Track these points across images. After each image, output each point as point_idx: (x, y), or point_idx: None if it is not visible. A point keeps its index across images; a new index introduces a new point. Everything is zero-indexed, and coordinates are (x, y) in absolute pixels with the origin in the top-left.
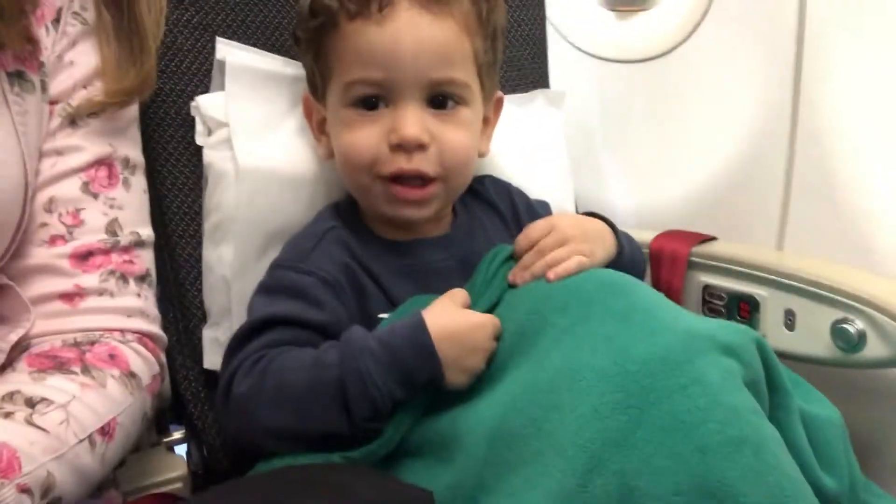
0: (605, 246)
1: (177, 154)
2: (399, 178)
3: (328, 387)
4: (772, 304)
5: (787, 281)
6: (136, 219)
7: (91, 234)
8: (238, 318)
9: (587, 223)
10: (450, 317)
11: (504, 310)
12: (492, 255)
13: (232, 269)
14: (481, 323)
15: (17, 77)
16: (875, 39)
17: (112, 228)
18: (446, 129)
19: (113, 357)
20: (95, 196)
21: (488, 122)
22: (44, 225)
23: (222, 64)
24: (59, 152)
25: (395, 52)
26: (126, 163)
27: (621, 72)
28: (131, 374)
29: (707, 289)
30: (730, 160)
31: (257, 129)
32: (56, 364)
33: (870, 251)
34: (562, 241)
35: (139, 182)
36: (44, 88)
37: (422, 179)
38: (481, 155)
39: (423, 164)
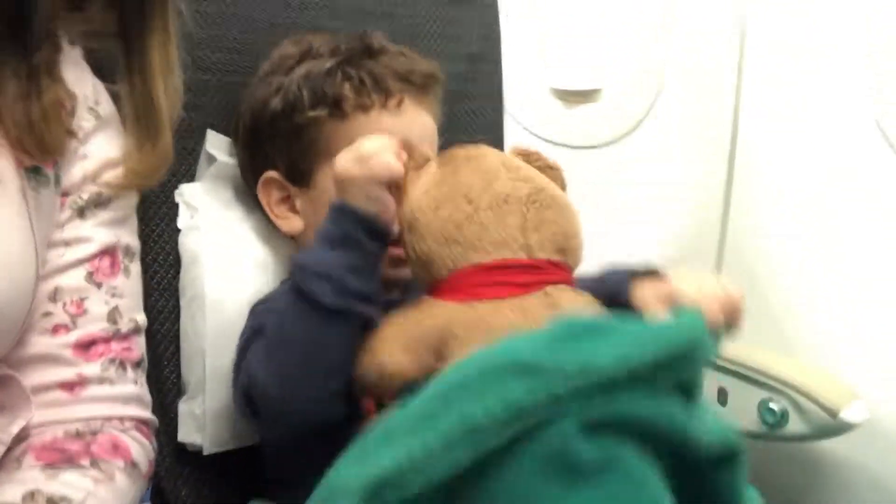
0: None
1: (158, 231)
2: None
3: (286, 293)
4: (707, 381)
5: (719, 362)
6: (133, 305)
7: (93, 324)
8: (211, 392)
9: None
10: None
11: None
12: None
13: (208, 341)
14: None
15: (34, 173)
16: (804, 144)
17: (113, 317)
18: None
19: (116, 447)
20: (99, 285)
21: None
22: (47, 314)
23: (210, 156)
24: (66, 243)
25: (409, 138)
26: (127, 250)
27: (569, 157)
28: (133, 464)
29: None
30: (663, 247)
31: (226, 212)
32: (65, 458)
33: (788, 338)
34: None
35: (136, 268)
36: (57, 182)
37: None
38: None
39: None
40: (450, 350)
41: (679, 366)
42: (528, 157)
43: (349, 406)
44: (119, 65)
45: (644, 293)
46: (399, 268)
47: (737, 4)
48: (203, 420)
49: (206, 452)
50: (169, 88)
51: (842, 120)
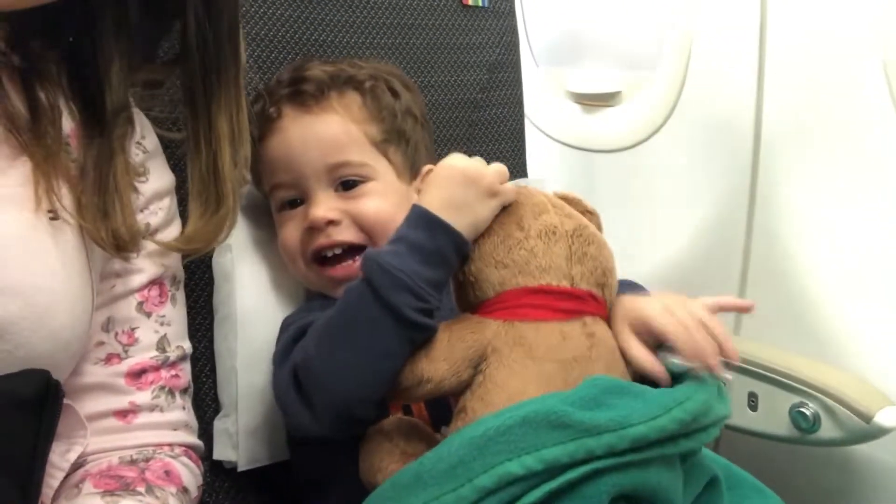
0: None
1: None
2: (327, 260)
3: (361, 293)
4: (736, 386)
5: (750, 367)
6: (180, 332)
7: (144, 352)
8: (244, 410)
9: None
10: (442, 184)
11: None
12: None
13: (239, 360)
14: (474, 174)
15: None
16: (826, 145)
17: (162, 345)
18: (357, 202)
19: (168, 474)
20: (148, 315)
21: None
22: (100, 343)
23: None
24: (118, 275)
25: (288, 152)
26: (173, 280)
27: (592, 161)
28: (184, 490)
29: None
30: (688, 249)
31: (258, 231)
32: (122, 485)
33: (819, 340)
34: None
35: (182, 297)
36: None
37: (352, 253)
38: None
39: (340, 235)
40: (488, 364)
41: (696, 435)
42: (569, 201)
43: (380, 409)
44: (187, 128)
45: (625, 337)
46: None
47: (756, 7)
48: (236, 438)
49: (240, 469)
50: (238, 157)
51: (871, 111)
